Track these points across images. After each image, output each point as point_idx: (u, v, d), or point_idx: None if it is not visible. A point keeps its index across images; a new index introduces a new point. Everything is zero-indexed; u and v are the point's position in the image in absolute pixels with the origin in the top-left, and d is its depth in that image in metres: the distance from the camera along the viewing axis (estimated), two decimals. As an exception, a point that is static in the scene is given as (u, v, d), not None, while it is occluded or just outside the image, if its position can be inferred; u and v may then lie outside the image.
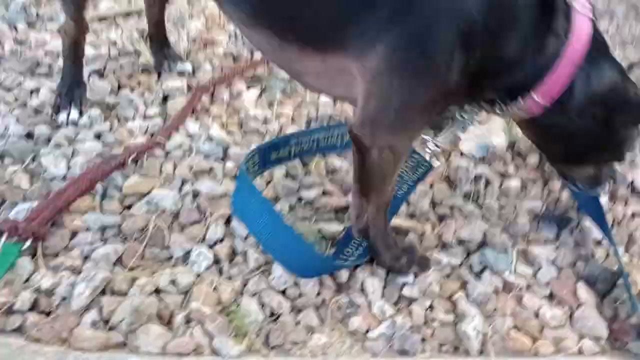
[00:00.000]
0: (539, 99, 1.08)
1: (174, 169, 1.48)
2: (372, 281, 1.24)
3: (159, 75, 1.82)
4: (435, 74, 1.02)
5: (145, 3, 1.82)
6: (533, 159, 1.60)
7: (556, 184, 1.53)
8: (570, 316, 1.23)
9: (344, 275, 1.25)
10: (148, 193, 1.39)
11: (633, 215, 1.48)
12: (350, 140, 1.12)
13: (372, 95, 1.06)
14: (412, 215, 1.42)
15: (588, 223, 1.42)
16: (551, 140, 1.23)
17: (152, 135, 1.58)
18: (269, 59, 1.27)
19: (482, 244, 1.36)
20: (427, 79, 1.03)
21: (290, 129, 1.63)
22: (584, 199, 1.44)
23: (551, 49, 1.05)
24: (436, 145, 1.31)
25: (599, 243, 1.39)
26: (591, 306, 1.24)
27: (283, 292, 1.22)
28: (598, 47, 1.09)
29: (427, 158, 1.37)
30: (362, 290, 1.24)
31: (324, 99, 1.75)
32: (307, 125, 1.67)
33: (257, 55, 1.93)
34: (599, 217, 1.40)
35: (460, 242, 1.36)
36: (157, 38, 1.85)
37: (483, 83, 1.09)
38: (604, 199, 1.49)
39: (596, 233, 1.40)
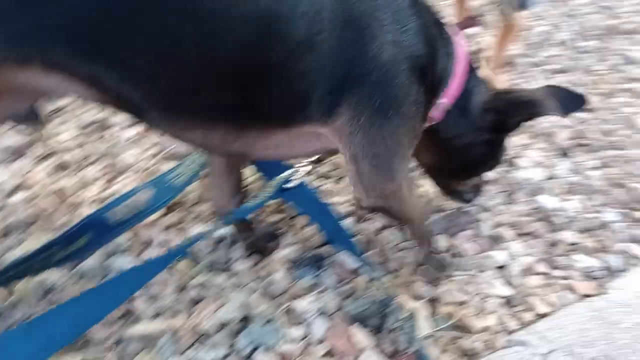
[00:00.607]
0: (445, 100, 1.15)
1: None
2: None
3: None
4: (408, 113, 1.05)
5: None
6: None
7: (301, 221, 1.44)
8: (355, 367, 1.13)
9: None
10: None
11: (382, 228, 1.46)
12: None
13: (357, 158, 1.06)
14: (157, 314, 1.20)
15: (342, 255, 1.35)
16: (454, 151, 1.25)
17: None
18: (217, 152, 1.20)
19: (245, 319, 1.20)
20: (403, 119, 1.05)
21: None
22: (329, 229, 1.38)
23: (451, 59, 1.14)
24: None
25: (356, 272, 1.33)
26: (371, 349, 1.16)
27: None
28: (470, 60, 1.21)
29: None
30: None
31: (15, 200, 1.43)
32: None
33: None
34: (349, 245, 1.33)
35: (221, 325, 1.18)
36: None
37: None
38: (349, 221, 1.45)
39: (352, 263, 1.34)
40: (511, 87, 1.26)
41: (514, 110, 1.19)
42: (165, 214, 1.42)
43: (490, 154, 1.29)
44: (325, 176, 1.60)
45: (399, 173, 1.10)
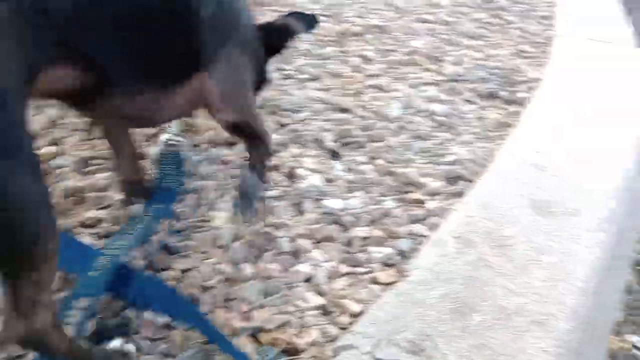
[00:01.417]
0: None
1: None
2: None
3: None
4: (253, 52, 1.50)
5: None
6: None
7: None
8: None
9: None
10: None
11: (186, 270, 1.39)
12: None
13: (222, 86, 1.35)
14: None
15: (147, 314, 1.26)
16: None
17: None
18: (136, 121, 1.40)
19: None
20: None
21: None
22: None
23: None
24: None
25: (169, 326, 1.25)
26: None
27: None
28: None
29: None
30: None
31: None
32: None
33: None
34: (165, 298, 1.25)
35: None
36: None
37: None
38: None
39: (162, 317, 1.25)
40: (267, 21, 1.64)
41: (278, 36, 1.58)
42: None
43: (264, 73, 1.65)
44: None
45: (249, 91, 1.46)
